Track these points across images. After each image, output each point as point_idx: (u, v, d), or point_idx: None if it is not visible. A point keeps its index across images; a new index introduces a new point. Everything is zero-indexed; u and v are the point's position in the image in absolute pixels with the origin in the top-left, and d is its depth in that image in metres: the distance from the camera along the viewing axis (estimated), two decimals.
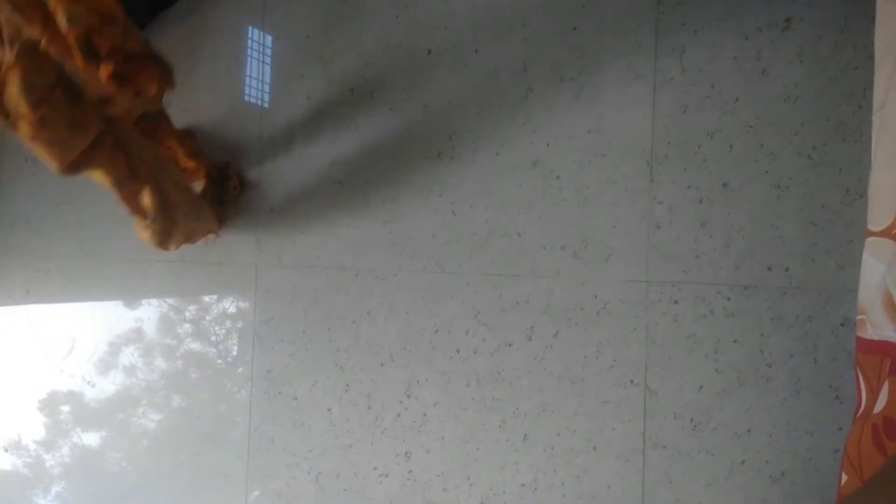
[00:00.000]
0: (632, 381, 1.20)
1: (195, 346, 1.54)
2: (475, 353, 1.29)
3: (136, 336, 1.58)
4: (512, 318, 1.27)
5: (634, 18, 1.20)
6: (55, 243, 1.63)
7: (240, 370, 1.47)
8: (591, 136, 1.23)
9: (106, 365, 1.61)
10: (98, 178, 1.14)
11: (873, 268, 0.84)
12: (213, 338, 1.51)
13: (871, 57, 0.91)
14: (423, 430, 1.32)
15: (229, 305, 1.50)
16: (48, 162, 1.03)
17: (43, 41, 0.95)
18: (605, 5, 1.22)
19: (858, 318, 0.87)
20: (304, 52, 1.42)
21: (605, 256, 1.22)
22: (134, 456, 1.58)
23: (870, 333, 0.84)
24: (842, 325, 1.10)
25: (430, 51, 1.33)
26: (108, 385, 1.61)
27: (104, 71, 0.99)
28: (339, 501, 1.38)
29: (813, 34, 1.10)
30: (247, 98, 1.47)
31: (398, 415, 1.34)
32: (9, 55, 0.94)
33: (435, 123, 1.32)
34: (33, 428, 1.69)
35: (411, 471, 1.33)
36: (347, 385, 1.38)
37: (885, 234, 0.82)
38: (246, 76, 1.47)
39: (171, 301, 1.54)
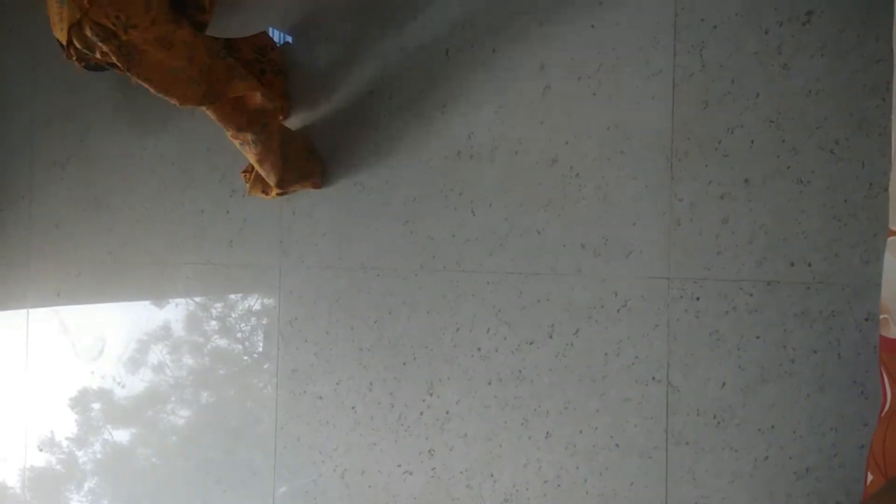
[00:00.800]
0: (654, 379, 1.20)
1: (222, 342, 1.56)
2: (496, 351, 1.30)
3: (164, 334, 1.61)
4: (533, 316, 1.28)
5: (652, 14, 1.19)
6: (84, 247, 1.66)
7: (265, 366, 1.50)
8: (611, 132, 1.23)
9: (135, 363, 1.65)
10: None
11: None
12: (239, 334, 1.54)
13: (892, 51, 0.90)
14: (445, 427, 1.34)
15: (254, 302, 1.52)
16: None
17: None
18: (623, 2, 1.21)
19: (882, 317, 0.86)
20: (324, 54, 1.43)
21: (625, 253, 1.22)
22: (164, 452, 1.61)
23: (894, 333, 0.83)
24: (866, 320, 1.09)
25: (447, 51, 1.33)
26: (138, 382, 1.64)
27: None
28: (365, 498, 1.40)
29: (834, 27, 1.09)
30: None
31: (421, 413, 1.36)
32: None
33: (454, 123, 1.33)
34: (66, 425, 1.73)
35: (434, 468, 1.35)
36: (371, 384, 1.40)
37: None
38: None
39: (198, 300, 1.57)
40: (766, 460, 1.14)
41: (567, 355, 1.25)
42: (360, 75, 1.40)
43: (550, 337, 1.26)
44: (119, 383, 1.65)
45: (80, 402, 1.71)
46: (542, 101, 1.27)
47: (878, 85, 1.07)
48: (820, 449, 1.11)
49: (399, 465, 1.38)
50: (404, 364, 1.37)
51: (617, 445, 1.23)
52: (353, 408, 1.41)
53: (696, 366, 1.18)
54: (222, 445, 1.54)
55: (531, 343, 1.28)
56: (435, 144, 1.34)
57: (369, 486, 1.40)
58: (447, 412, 1.34)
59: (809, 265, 1.11)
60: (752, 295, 1.15)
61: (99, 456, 1.70)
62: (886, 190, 1.05)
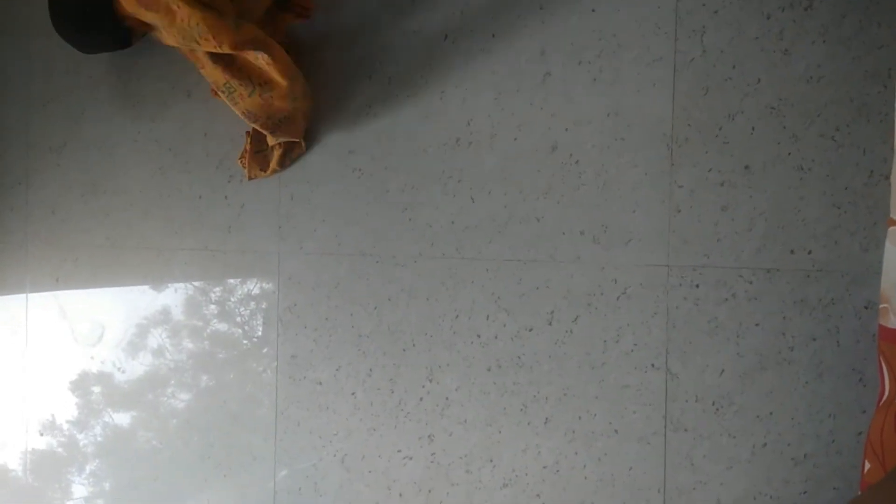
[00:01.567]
0: (653, 366, 1.21)
1: (221, 326, 1.56)
2: (496, 337, 1.30)
3: (163, 318, 1.61)
4: (532, 303, 1.28)
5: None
6: (82, 233, 1.66)
7: (265, 350, 1.50)
8: (611, 119, 1.22)
9: (134, 347, 1.65)
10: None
11: None
12: (239, 318, 1.54)
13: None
14: (445, 413, 1.34)
15: (253, 287, 1.52)
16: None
17: None
18: None
19: (881, 306, 0.86)
20: (322, 38, 1.42)
21: (625, 241, 1.22)
22: (164, 435, 1.62)
23: (893, 322, 0.84)
24: (865, 307, 1.09)
25: (447, 36, 1.32)
26: (138, 366, 1.65)
27: None
28: (365, 482, 1.41)
29: (836, 13, 1.08)
30: None
31: (420, 399, 1.36)
32: None
33: (453, 109, 1.32)
34: (66, 408, 1.73)
35: (434, 453, 1.36)
36: (370, 370, 1.40)
37: None
38: None
39: (197, 284, 1.57)
40: (765, 447, 1.15)
41: (566, 342, 1.26)
42: (358, 60, 1.39)
43: (550, 324, 1.27)
44: (119, 368, 1.66)
45: (81, 385, 1.72)
46: (542, 87, 1.26)
47: (879, 71, 1.06)
48: (818, 436, 1.12)
49: (399, 451, 1.38)
50: (404, 350, 1.37)
51: (616, 431, 1.23)
52: (352, 393, 1.42)
53: (694, 353, 1.18)
54: (222, 429, 1.55)
55: (530, 330, 1.28)
56: (434, 131, 1.33)
57: (369, 471, 1.41)
58: (447, 398, 1.34)
59: (809, 253, 1.11)
60: (751, 282, 1.15)
61: (100, 439, 1.70)
62: (887, 178, 1.05)
